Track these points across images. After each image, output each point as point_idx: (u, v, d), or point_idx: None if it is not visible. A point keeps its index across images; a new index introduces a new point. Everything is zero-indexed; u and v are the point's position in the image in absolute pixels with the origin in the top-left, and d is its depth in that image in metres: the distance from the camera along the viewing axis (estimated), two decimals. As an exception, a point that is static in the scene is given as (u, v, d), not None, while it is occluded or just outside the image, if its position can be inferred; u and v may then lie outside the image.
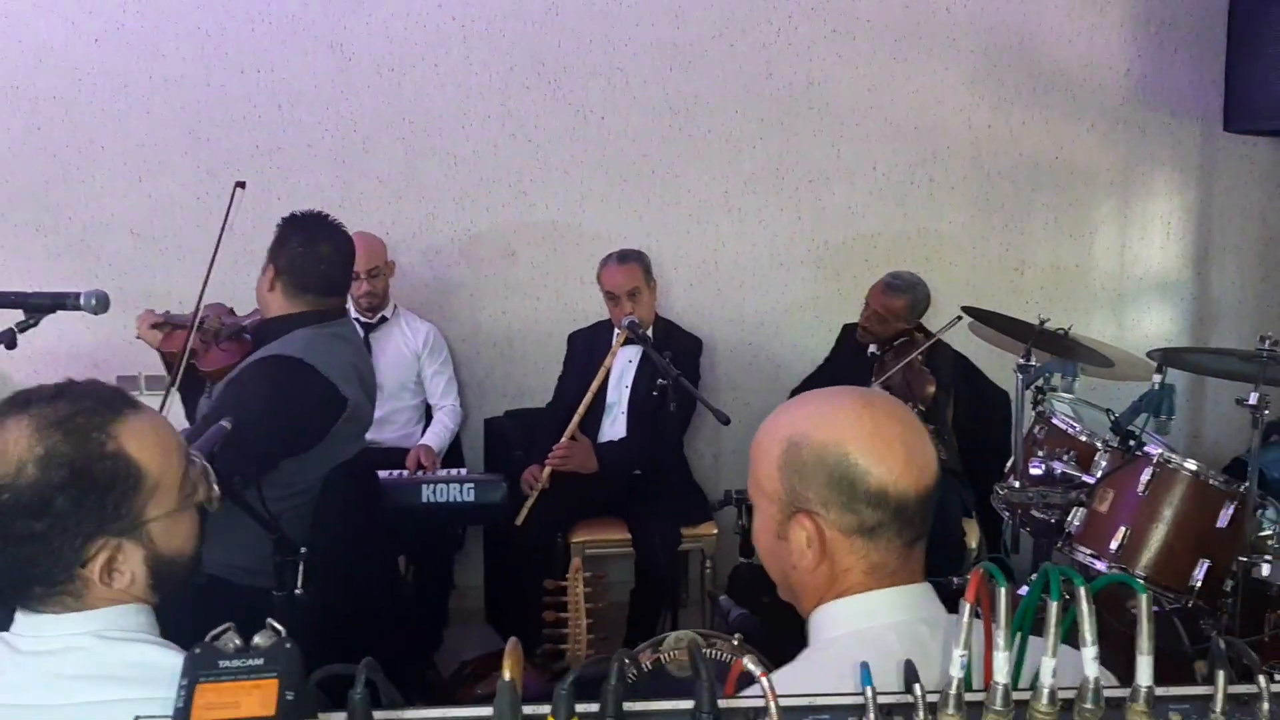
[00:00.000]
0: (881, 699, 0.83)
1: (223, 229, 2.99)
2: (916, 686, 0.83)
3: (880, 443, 1.18)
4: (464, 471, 3.74)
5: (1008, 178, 4.42)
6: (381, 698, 0.83)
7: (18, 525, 1.23)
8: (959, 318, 3.41)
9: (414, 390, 4.05)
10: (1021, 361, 3.02)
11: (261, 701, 0.73)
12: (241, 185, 3.04)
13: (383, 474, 3.36)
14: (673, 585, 3.85)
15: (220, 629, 0.79)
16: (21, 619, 1.28)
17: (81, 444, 1.24)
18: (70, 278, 3.85)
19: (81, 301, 2.42)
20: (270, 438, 2.31)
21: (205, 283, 2.95)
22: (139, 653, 1.25)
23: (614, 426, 3.91)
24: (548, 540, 3.77)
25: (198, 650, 0.76)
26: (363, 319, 3.87)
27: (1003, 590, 0.87)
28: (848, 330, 4.11)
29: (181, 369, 2.79)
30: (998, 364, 3.87)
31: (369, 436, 2.87)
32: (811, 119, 4.26)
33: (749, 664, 0.83)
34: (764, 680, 0.81)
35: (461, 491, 3.40)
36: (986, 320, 3.24)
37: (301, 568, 1.93)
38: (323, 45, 4.09)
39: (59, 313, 2.46)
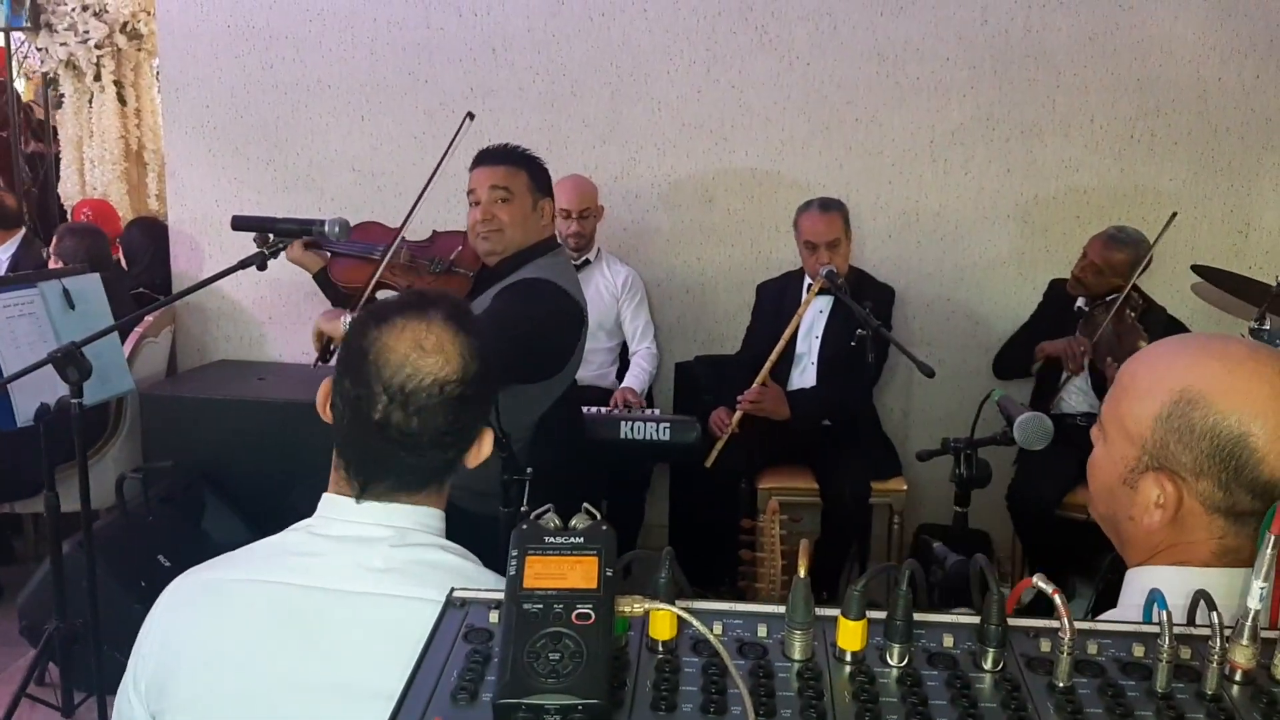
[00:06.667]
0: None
1: (445, 154, 3.09)
2: (1214, 615, 0.81)
3: None
4: (659, 411, 3.83)
5: (1236, 134, 4.15)
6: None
7: (465, 417, 1.27)
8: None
9: (610, 332, 4.13)
10: (1254, 325, 2.87)
11: (584, 575, 0.79)
12: (471, 116, 3.15)
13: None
14: (860, 539, 3.84)
15: (541, 509, 0.85)
16: (329, 502, 1.29)
17: (479, 335, 1.30)
18: (297, 210, 4.07)
19: (325, 229, 2.58)
20: (526, 358, 2.41)
21: (414, 207, 3.07)
22: (438, 556, 1.28)
23: (803, 377, 3.89)
24: (734, 484, 3.82)
25: (524, 526, 0.83)
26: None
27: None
28: (1055, 286, 3.98)
29: (365, 300, 2.92)
30: (1218, 330, 3.67)
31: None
32: (1027, 68, 4.09)
33: (1039, 581, 0.83)
34: (1057, 598, 0.82)
35: (658, 430, 3.50)
36: (1217, 280, 3.08)
37: (528, 487, 2.04)
38: (537, -12, 4.18)
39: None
